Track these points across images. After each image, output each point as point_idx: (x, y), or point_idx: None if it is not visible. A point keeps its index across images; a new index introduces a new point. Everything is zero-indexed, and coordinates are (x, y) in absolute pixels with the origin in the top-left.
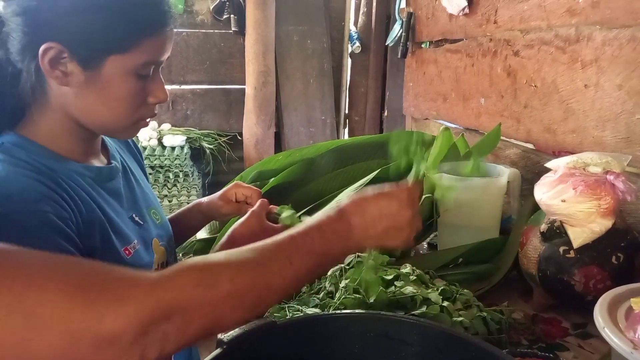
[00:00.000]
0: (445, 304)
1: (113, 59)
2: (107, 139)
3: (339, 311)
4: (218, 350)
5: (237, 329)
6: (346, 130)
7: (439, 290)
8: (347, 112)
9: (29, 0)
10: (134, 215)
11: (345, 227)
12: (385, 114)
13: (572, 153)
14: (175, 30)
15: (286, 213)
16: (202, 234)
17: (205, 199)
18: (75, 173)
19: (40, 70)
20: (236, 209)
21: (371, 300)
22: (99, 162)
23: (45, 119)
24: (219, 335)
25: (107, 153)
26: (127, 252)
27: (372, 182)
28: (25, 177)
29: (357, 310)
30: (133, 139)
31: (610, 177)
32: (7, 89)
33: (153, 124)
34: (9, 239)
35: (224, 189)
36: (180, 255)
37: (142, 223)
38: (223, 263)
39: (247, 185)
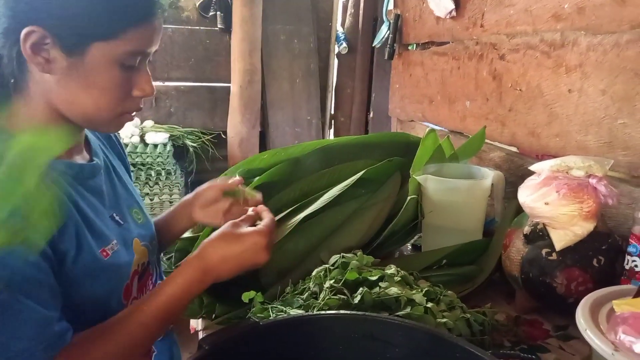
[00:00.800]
0: (430, 305)
1: (97, 46)
2: (90, 136)
3: (323, 312)
4: (200, 352)
5: (218, 330)
6: (331, 130)
7: (423, 292)
8: (332, 112)
9: None
10: (114, 215)
11: (206, 280)
12: (371, 115)
13: (555, 157)
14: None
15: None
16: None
17: (191, 193)
18: (55, 170)
19: (22, 57)
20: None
21: (355, 301)
22: (81, 158)
23: (26, 109)
24: (200, 336)
25: (90, 150)
26: (104, 253)
27: (357, 182)
28: None
29: (341, 311)
30: (117, 135)
31: (593, 181)
32: None
33: (135, 120)
34: None
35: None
36: (162, 255)
37: (122, 223)
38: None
39: (230, 183)
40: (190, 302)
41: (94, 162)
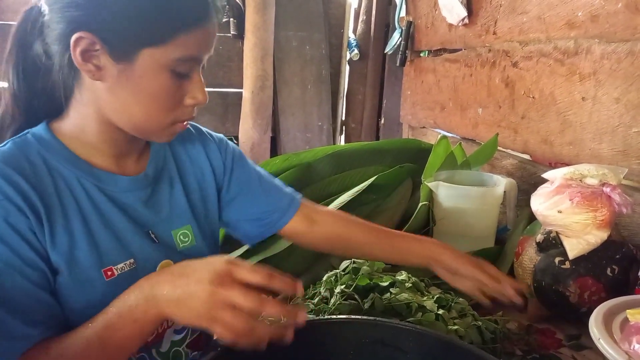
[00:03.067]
0: (441, 312)
1: (147, 52)
2: (156, 147)
3: (334, 316)
4: (212, 353)
5: None
6: (342, 137)
7: (434, 298)
8: (343, 118)
9: None
10: (149, 232)
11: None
12: (382, 121)
13: (568, 165)
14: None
15: None
16: None
17: None
18: (77, 177)
19: (73, 64)
20: None
21: (366, 307)
22: (128, 169)
23: (77, 115)
24: (214, 338)
25: (148, 161)
26: (109, 272)
27: (368, 188)
28: (1, 177)
29: (352, 316)
30: (230, 143)
31: (607, 190)
32: (41, 83)
33: None
34: None
35: None
36: None
37: (156, 242)
38: None
39: None
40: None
41: (139, 175)
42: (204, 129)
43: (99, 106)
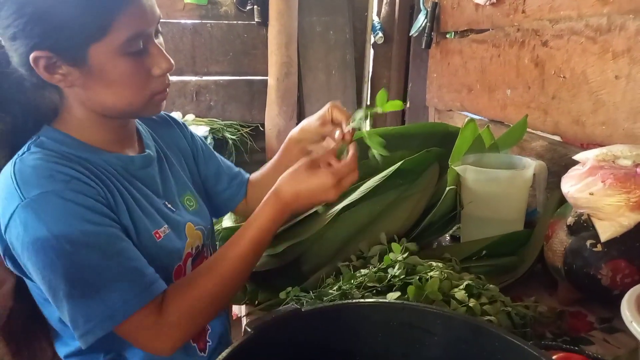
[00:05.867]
0: (472, 304)
1: (95, 48)
2: (142, 128)
3: (362, 300)
4: (245, 336)
5: (263, 316)
6: (367, 121)
7: (465, 286)
8: (369, 103)
9: (3, 19)
10: (166, 203)
11: (285, 213)
12: (408, 105)
13: (600, 146)
14: (201, 21)
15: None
16: (227, 222)
17: (297, 127)
18: (106, 162)
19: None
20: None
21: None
22: (132, 151)
23: (72, 115)
24: (244, 321)
25: (142, 142)
26: (157, 235)
27: (395, 173)
28: (55, 163)
29: (380, 299)
30: (178, 122)
31: None
32: (32, 97)
33: (177, 114)
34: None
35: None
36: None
37: (174, 210)
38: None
39: (342, 108)
40: (274, 235)
41: (145, 153)
42: (177, 118)
43: (84, 105)
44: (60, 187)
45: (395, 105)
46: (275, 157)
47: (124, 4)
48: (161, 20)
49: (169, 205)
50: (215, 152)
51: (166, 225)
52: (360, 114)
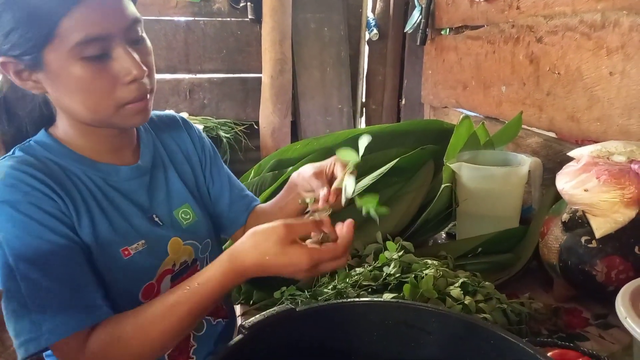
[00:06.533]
0: (467, 301)
1: (47, 52)
2: (144, 135)
3: (357, 299)
4: (240, 336)
5: (257, 316)
6: (363, 119)
7: (460, 283)
8: (364, 100)
9: None
10: (153, 216)
11: (239, 280)
12: (403, 102)
13: (595, 142)
14: (194, 18)
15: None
16: None
17: (299, 170)
18: (83, 172)
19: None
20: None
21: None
22: (126, 160)
23: (63, 122)
24: (240, 322)
25: (140, 151)
26: (126, 252)
27: (390, 170)
28: (22, 172)
29: (375, 298)
30: (195, 126)
31: (635, 167)
32: (26, 105)
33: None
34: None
35: (325, 160)
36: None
37: (161, 224)
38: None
39: (346, 164)
40: (217, 300)
41: (135, 165)
42: (189, 121)
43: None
44: (18, 198)
45: (380, 210)
46: (281, 194)
47: (69, 6)
48: (154, 18)
49: (156, 219)
50: (226, 170)
51: (142, 241)
52: (349, 180)
